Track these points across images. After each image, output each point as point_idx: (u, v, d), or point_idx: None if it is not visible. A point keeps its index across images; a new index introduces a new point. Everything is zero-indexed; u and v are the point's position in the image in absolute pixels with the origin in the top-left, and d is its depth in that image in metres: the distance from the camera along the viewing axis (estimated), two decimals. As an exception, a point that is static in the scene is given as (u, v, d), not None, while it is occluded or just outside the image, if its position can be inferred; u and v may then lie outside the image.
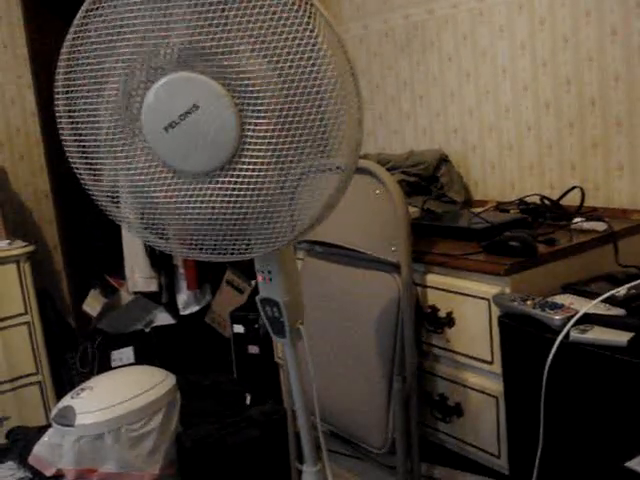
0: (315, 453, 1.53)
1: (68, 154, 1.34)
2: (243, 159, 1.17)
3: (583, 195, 1.99)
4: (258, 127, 1.15)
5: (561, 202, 2.03)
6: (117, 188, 1.35)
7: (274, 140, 1.15)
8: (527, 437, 1.51)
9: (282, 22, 1.11)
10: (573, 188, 2.03)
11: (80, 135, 1.31)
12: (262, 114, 1.14)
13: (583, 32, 1.98)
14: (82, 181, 1.35)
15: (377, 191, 1.84)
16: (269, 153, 1.16)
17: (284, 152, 1.16)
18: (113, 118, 1.25)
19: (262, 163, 1.17)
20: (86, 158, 1.33)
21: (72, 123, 1.31)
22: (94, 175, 1.34)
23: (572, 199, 2.03)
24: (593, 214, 1.95)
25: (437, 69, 2.49)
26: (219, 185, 1.20)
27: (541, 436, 1.44)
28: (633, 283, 1.51)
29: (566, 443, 1.43)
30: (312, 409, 1.51)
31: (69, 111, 1.31)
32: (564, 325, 1.39)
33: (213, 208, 1.22)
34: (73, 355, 3.04)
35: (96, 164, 1.33)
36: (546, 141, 2.16)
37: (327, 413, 2.01)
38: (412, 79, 2.60)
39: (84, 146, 1.32)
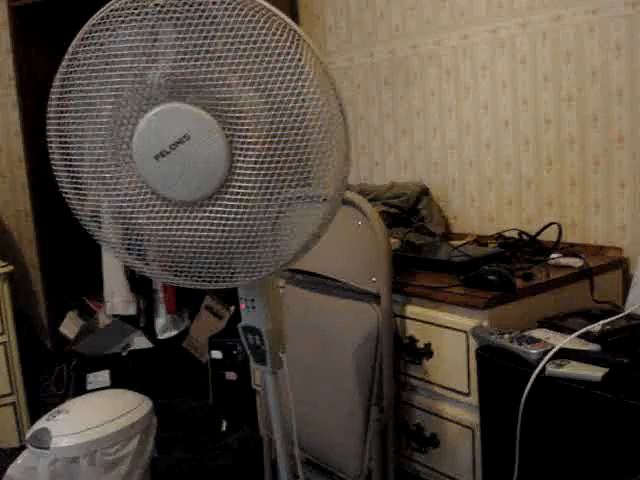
0: (292, 482, 1.54)
1: (56, 175, 1.35)
2: (232, 189, 1.19)
3: (560, 231, 2.03)
4: (247, 158, 1.17)
5: (539, 237, 2.07)
6: (100, 210, 1.36)
7: (262, 171, 1.17)
8: (502, 469, 1.53)
9: (270, 53, 1.14)
10: (550, 224, 2.08)
11: (69, 157, 1.33)
12: (252, 145, 1.16)
13: (564, 73, 2.03)
14: (68, 201, 1.36)
15: (359, 222, 1.87)
16: (257, 184, 1.18)
17: (272, 183, 1.18)
18: (104, 145, 1.27)
19: (250, 194, 1.19)
20: (74, 180, 1.34)
21: (62, 146, 1.33)
22: (79, 196, 1.36)
23: (549, 235, 2.07)
24: (570, 250, 1.99)
25: (420, 103, 2.53)
26: (207, 214, 1.22)
27: (516, 469, 1.47)
28: (608, 319, 1.54)
29: (540, 475, 1.45)
30: (290, 437, 1.52)
31: (60, 135, 1.32)
32: (540, 359, 1.42)
33: (200, 237, 1.23)
34: (48, 377, 3.02)
35: (83, 185, 1.34)
36: (525, 177, 2.20)
37: (304, 441, 2.02)
38: (395, 112, 2.64)
39: (72, 168, 1.33)
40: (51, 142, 1.33)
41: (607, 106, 1.94)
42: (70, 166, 1.33)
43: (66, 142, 1.32)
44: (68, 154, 1.33)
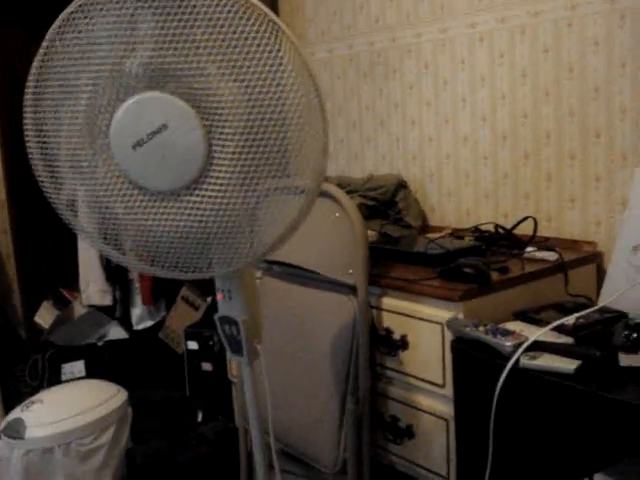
0: (267, 473, 1.54)
1: (32, 163, 1.34)
2: (209, 179, 1.19)
3: (536, 225, 2.05)
4: (225, 149, 1.17)
5: (514, 231, 2.08)
6: (76, 198, 1.36)
7: (240, 162, 1.17)
8: (476, 460, 1.55)
9: (250, 44, 1.14)
10: (526, 218, 2.09)
11: (46, 146, 1.32)
12: (230, 136, 1.16)
13: (541, 68, 2.05)
14: (44, 189, 1.35)
15: (337, 214, 1.87)
16: (235, 174, 1.18)
17: (250, 174, 1.18)
18: (81, 133, 1.26)
19: (228, 184, 1.19)
20: (50, 168, 1.33)
21: (39, 135, 1.32)
22: (56, 184, 1.35)
23: (525, 228, 2.08)
24: (545, 244, 2.01)
25: (399, 96, 2.54)
26: (184, 204, 1.22)
27: (490, 459, 1.48)
28: (582, 312, 1.56)
29: (514, 466, 1.47)
30: (266, 428, 1.53)
31: (36, 123, 1.31)
32: (514, 351, 1.43)
33: (177, 227, 1.23)
34: (22, 367, 2.99)
35: (59, 173, 1.33)
36: (502, 171, 2.22)
37: (280, 432, 2.02)
38: (374, 105, 2.65)
39: (49, 157, 1.33)
40: (27, 130, 1.32)
41: (584, 101, 1.96)
42: (46, 154, 1.33)
43: (42, 130, 1.31)
44: (44, 142, 1.32)
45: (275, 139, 1.17)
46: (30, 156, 1.34)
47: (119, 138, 1.21)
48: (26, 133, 1.32)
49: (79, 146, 1.28)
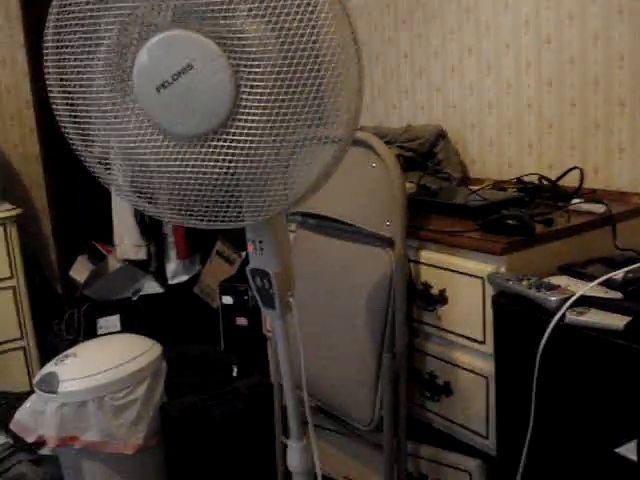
0: (301, 428, 1.51)
1: (57, 116, 1.29)
2: (237, 123, 1.13)
3: (582, 176, 1.96)
4: (254, 90, 1.10)
5: (559, 183, 1.99)
6: (108, 151, 1.31)
7: (270, 104, 1.10)
8: (516, 419, 1.49)
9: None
10: (572, 169, 2.00)
11: (70, 95, 1.27)
12: (259, 77, 1.10)
13: (589, 9, 1.93)
14: (72, 144, 1.30)
15: (373, 164, 1.80)
16: (264, 118, 1.12)
17: (280, 118, 1.12)
18: (104, 76, 1.21)
19: (257, 128, 1.13)
20: (76, 120, 1.28)
21: (62, 83, 1.26)
22: (84, 138, 1.30)
23: (571, 180, 1.99)
24: (592, 196, 1.92)
25: (438, 43, 2.44)
26: (211, 150, 1.16)
27: (531, 418, 1.42)
28: (631, 267, 1.48)
29: (556, 426, 1.41)
30: (299, 383, 1.48)
31: (59, 70, 1.26)
32: (560, 307, 1.36)
33: (204, 173, 1.18)
34: (59, 321, 3.01)
35: (86, 126, 1.29)
36: (546, 120, 2.12)
37: (314, 388, 1.98)
38: (412, 52, 2.55)
39: (74, 107, 1.27)
40: (50, 78, 1.26)
41: (636, 44, 1.85)
42: (72, 107, 1.27)
43: (66, 80, 1.25)
44: (69, 93, 1.26)
45: (308, 83, 1.11)
46: (55, 110, 1.29)
47: (142, 80, 1.15)
48: (48, 81, 1.27)
49: (104, 94, 1.23)
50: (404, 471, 1.88)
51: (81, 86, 1.25)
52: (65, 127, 1.29)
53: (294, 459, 1.50)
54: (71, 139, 1.30)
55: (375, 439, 1.97)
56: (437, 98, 2.49)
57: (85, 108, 1.26)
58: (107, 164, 1.32)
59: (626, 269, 1.48)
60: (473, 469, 1.76)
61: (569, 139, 2.06)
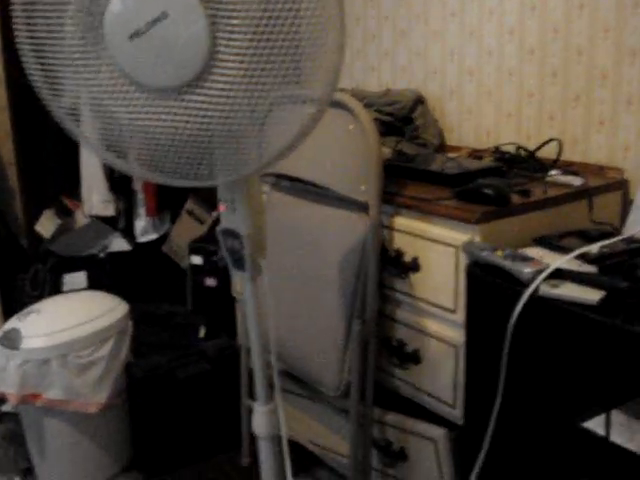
0: (268, 392, 1.49)
1: (25, 65, 1.23)
2: (213, 77, 1.09)
3: (560, 148, 1.94)
4: (231, 43, 1.06)
5: (537, 154, 1.97)
6: (77, 102, 1.26)
7: (247, 59, 1.06)
8: (485, 389, 1.48)
9: None
10: (551, 140, 1.98)
11: (38, 42, 1.21)
12: (237, 29, 1.05)
13: (576, -23, 1.90)
14: (40, 95, 1.25)
15: (351, 126, 1.76)
16: (241, 72, 1.08)
17: (257, 73, 1.08)
18: (73, 22, 1.15)
19: (233, 83, 1.09)
20: (44, 69, 1.23)
21: (29, 28, 1.20)
22: (52, 88, 1.24)
23: (549, 151, 1.97)
24: (569, 168, 1.90)
25: (421, 6, 2.39)
26: (184, 103, 1.12)
27: (500, 389, 1.41)
28: (607, 241, 1.47)
29: (525, 398, 1.40)
30: (268, 346, 1.46)
31: (26, 15, 1.20)
32: (534, 278, 1.34)
33: (177, 128, 1.13)
34: (23, 276, 2.94)
35: (55, 76, 1.23)
36: (527, 89, 2.09)
37: (282, 351, 1.97)
38: (394, 14, 2.49)
39: (42, 55, 1.22)
40: (18, 27, 1.20)
41: (621, 16, 1.82)
42: (40, 55, 1.21)
43: (33, 25, 1.19)
44: (37, 39, 1.20)
45: (287, 38, 1.06)
46: (23, 59, 1.23)
47: (115, 28, 1.10)
48: (16, 28, 1.21)
49: (73, 41, 1.17)
50: (369, 437, 1.87)
51: (49, 32, 1.19)
52: (33, 76, 1.23)
53: (260, 423, 1.48)
54: (39, 89, 1.24)
55: (342, 405, 1.96)
56: (417, 63, 2.45)
57: (53, 56, 1.20)
58: (76, 116, 1.27)
59: (601, 243, 1.47)
60: (439, 438, 1.75)
61: (549, 110, 2.04)
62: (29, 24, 1.19)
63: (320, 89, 1.14)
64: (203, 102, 1.10)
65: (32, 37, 1.20)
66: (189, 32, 1.05)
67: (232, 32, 1.05)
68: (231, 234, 1.35)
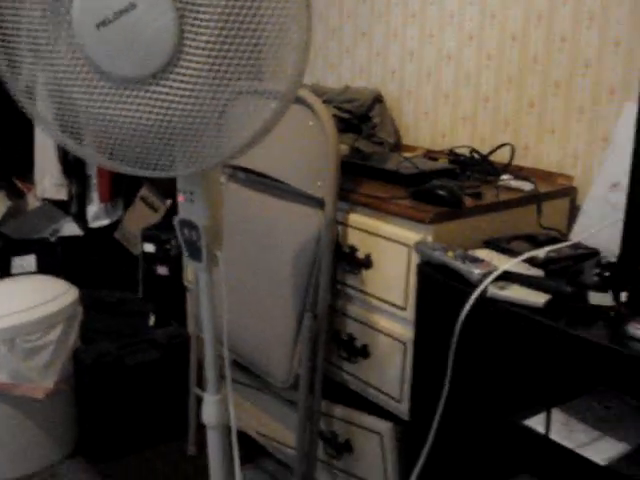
0: (219, 382, 1.50)
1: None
2: (178, 69, 1.10)
3: (513, 153, 1.99)
4: (198, 37, 1.07)
5: (490, 157, 2.02)
6: (34, 82, 1.25)
7: (214, 53, 1.07)
8: (431, 386, 1.52)
9: None
10: (504, 145, 2.03)
11: (4, 22, 1.20)
12: (204, 23, 1.06)
13: (535, -13, 1.95)
14: (2, 76, 1.24)
15: (310, 123, 1.78)
16: (206, 67, 1.09)
17: (223, 68, 1.09)
18: (42, 9, 1.15)
19: (198, 77, 1.10)
20: (7, 49, 1.22)
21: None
22: (13, 68, 1.23)
23: (501, 156, 2.02)
24: (520, 173, 1.95)
25: (383, 6, 2.42)
26: (148, 94, 1.12)
27: (446, 386, 1.45)
28: (554, 246, 1.52)
29: (469, 396, 1.45)
30: (220, 337, 1.48)
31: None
32: (483, 280, 1.38)
33: (139, 118, 1.14)
34: (-29, 258, 2.89)
35: (16, 55, 1.22)
36: (483, 94, 2.14)
37: (233, 342, 1.98)
38: (356, 13, 2.52)
39: (4, 34, 1.21)
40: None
41: (577, 28, 1.87)
42: (3, 33, 1.20)
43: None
44: (3, 21, 1.19)
45: (252, 33, 1.08)
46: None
47: (82, 15, 1.10)
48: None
49: (38, 24, 1.17)
50: (316, 429, 1.90)
51: (14, 14, 1.18)
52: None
53: (209, 412, 1.49)
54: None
55: (290, 396, 1.98)
56: (377, 62, 2.48)
57: (16, 37, 1.20)
58: (32, 95, 1.26)
59: (548, 248, 1.52)
60: (384, 431, 1.79)
61: (503, 115, 2.09)
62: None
63: (284, 85, 1.15)
64: (167, 94, 1.10)
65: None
66: (157, 24, 1.05)
67: (199, 26, 1.06)
68: (188, 225, 1.36)
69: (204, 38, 1.07)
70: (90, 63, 1.15)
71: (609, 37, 1.81)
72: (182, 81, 1.10)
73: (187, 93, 1.10)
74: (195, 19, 1.06)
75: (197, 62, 1.09)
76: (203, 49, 1.08)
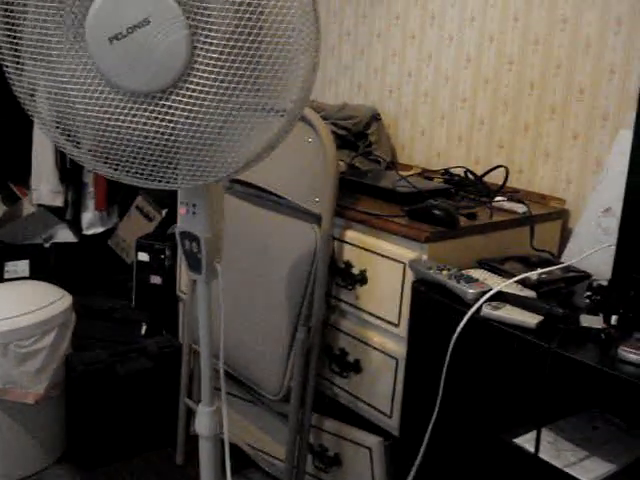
0: (213, 393, 1.52)
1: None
2: (187, 85, 1.12)
3: (507, 175, 2.02)
4: (209, 54, 1.09)
5: (485, 179, 2.05)
6: (36, 87, 1.26)
7: (224, 70, 1.10)
8: (422, 402, 1.54)
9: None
10: (498, 166, 2.06)
11: (13, 27, 1.21)
12: (215, 41, 1.09)
13: (535, 13, 1.98)
14: (6, 72, 1.25)
15: (309, 139, 1.81)
16: (216, 83, 1.11)
17: (232, 85, 1.11)
18: (53, 19, 1.17)
19: (206, 93, 1.12)
20: (15, 52, 1.23)
21: (6, 14, 1.21)
22: (17, 69, 1.25)
23: (495, 177, 2.06)
24: (514, 195, 1.98)
25: (383, 25, 2.45)
26: (157, 108, 1.15)
27: (438, 403, 1.48)
28: (547, 269, 1.55)
29: (460, 413, 1.47)
30: (215, 349, 1.49)
31: (5, 2, 1.21)
32: (477, 299, 1.41)
33: (147, 131, 1.16)
34: (-37, 260, 2.89)
35: (24, 59, 1.24)
36: (479, 116, 2.17)
37: (227, 354, 2.00)
38: (356, 31, 2.56)
39: (15, 37, 1.22)
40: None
41: (573, 56, 1.91)
42: (13, 36, 1.22)
43: (11, 10, 1.20)
44: (12, 24, 1.21)
45: (263, 52, 1.10)
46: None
47: (96, 29, 1.12)
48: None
49: (49, 33, 1.19)
50: (306, 442, 1.92)
51: (25, 18, 1.20)
52: (2, 56, 1.23)
53: (203, 423, 1.51)
54: (6, 66, 1.24)
55: (281, 409, 2.00)
56: (375, 80, 2.51)
57: (26, 42, 1.21)
58: (34, 96, 1.28)
59: (541, 270, 1.55)
60: (374, 446, 1.81)
61: (498, 137, 2.12)
62: (7, 10, 1.20)
63: (291, 103, 1.18)
64: (176, 109, 1.13)
65: (7, 21, 1.21)
66: (169, 40, 1.08)
67: (211, 43, 1.09)
68: (189, 236, 1.38)
69: (214, 55, 1.09)
70: (100, 76, 1.17)
71: (604, 64, 1.85)
72: (191, 96, 1.12)
73: (195, 108, 1.13)
74: (207, 36, 1.08)
75: (207, 78, 1.11)
76: (213, 65, 1.10)
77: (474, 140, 2.20)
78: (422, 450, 1.51)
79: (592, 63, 1.87)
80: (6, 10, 1.19)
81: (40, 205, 2.86)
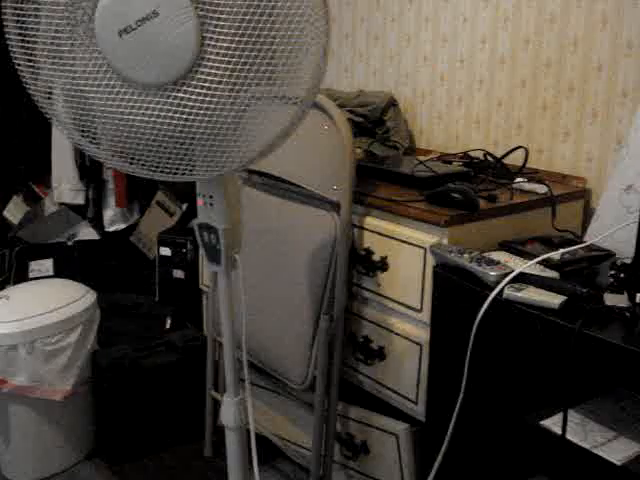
0: (238, 384, 1.52)
1: (10, 47, 1.24)
2: (198, 75, 1.12)
3: (527, 156, 2.00)
4: (219, 43, 1.09)
5: (504, 161, 2.03)
6: (52, 85, 1.27)
7: (234, 59, 1.09)
8: (447, 387, 1.53)
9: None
10: (517, 147, 2.04)
11: (25, 27, 1.22)
12: (225, 30, 1.08)
13: (548, -9, 1.96)
14: (21, 74, 1.26)
15: (325, 127, 1.80)
16: (226, 73, 1.11)
17: (242, 74, 1.11)
18: (63, 15, 1.17)
19: (218, 83, 1.12)
20: (29, 53, 1.24)
21: (18, 13, 1.22)
22: (33, 71, 1.26)
23: (515, 158, 2.03)
24: (534, 176, 1.96)
25: (396, 10, 2.43)
26: (170, 100, 1.15)
27: (462, 388, 1.47)
28: (569, 248, 1.53)
29: (486, 397, 1.46)
30: (239, 340, 1.49)
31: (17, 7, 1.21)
32: (499, 282, 1.40)
33: (161, 123, 1.16)
34: (-12, 262, 2.93)
35: (37, 60, 1.24)
36: (496, 97, 2.15)
37: (250, 344, 2.00)
38: (370, 17, 2.54)
39: (28, 40, 1.23)
40: (5, 8, 1.22)
41: (590, 31, 1.88)
42: (25, 37, 1.23)
43: (23, 15, 1.21)
44: (24, 24, 1.22)
45: (272, 39, 1.10)
46: (7, 38, 1.24)
47: (104, 23, 1.12)
48: (4, 12, 1.22)
49: (60, 30, 1.19)
50: (332, 431, 1.91)
51: (37, 22, 1.21)
52: (16, 56, 1.24)
53: (228, 415, 1.51)
54: (20, 68, 1.25)
55: (307, 398, 2.00)
56: (390, 65, 2.49)
57: (39, 43, 1.22)
58: (51, 97, 1.28)
59: (563, 250, 1.53)
60: (400, 433, 1.80)
61: (517, 118, 2.10)
62: (16, 7, 1.20)
63: (302, 91, 1.17)
64: (188, 100, 1.13)
65: (19, 20, 1.21)
66: (178, 31, 1.07)
67: (220, 33, 1.08)
68: (208, 228, 1.38)
69: (224, 45, 1.08)
70: (111, 69, 1.17)
71: (622, 40, 1.81)
72: (202, 87, 1.12)
73: (207, 99, 1.12)
74: (216, 26, 1.08)
75: (217, 68, 1.11)
76: (223, 55, 1.10)
77: (492, 122, 2.17)
78: (448, 435, 1.50)
79: (609, 39, 1.84)
80: (18, 15, 1.20)
81: (62, 204, 2.89)
